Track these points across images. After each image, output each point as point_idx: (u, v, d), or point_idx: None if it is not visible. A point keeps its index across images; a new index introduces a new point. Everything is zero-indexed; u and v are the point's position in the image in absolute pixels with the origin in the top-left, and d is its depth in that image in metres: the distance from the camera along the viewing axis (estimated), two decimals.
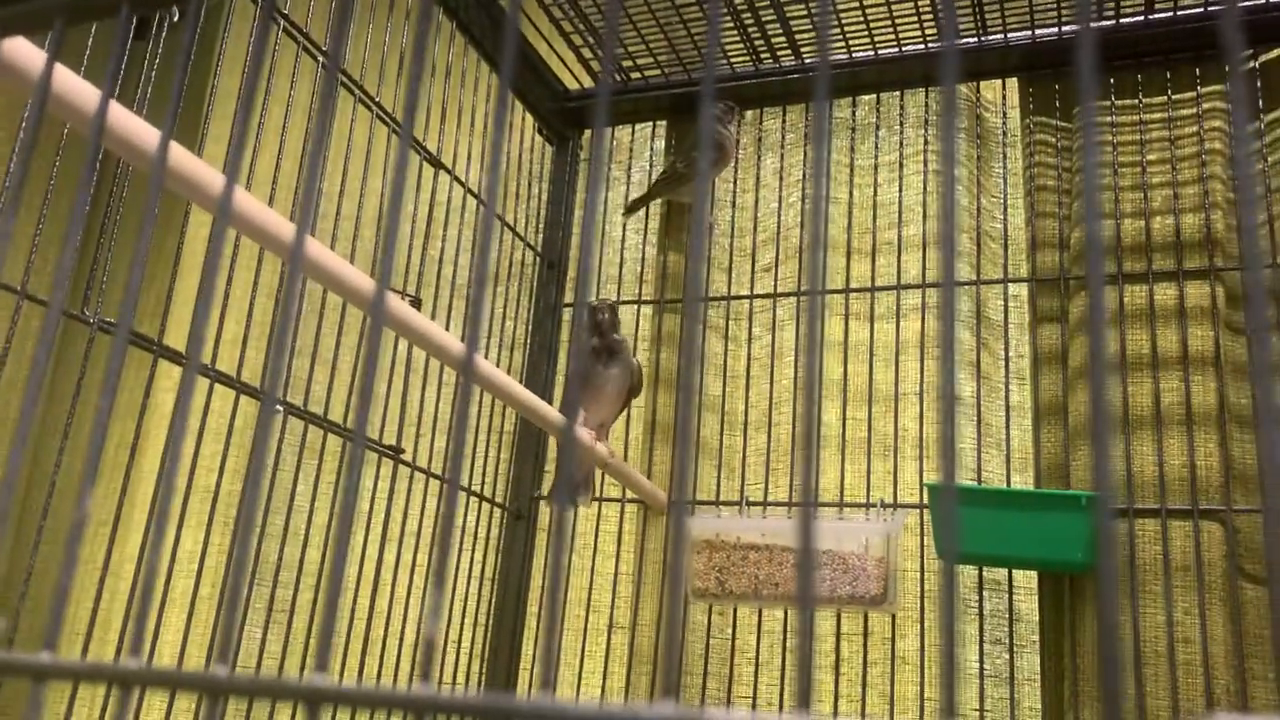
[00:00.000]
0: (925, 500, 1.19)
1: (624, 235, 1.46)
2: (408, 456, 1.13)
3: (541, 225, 1.51)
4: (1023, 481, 1.20)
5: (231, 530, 1.14)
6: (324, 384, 1.04)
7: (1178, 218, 1.18)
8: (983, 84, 1.36)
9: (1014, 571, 1.16)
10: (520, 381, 1.33)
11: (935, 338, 1.26)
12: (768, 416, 1.31)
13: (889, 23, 1.28)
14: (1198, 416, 1.11)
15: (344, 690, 0.25)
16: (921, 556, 1.18)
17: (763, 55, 1.37)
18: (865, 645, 1.19)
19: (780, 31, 1.31)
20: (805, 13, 1.28)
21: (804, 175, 1.40)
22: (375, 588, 1.05)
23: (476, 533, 1.33)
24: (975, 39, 1.28)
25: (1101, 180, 1.22)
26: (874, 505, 1.21)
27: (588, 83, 1.48)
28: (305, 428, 1.03)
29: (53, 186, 0.79)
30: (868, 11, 1.26)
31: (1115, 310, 1.17)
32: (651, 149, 1.50)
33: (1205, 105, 1.21)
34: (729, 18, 1.29)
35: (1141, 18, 1.21)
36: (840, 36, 1.31)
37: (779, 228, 1.39)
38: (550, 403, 1.33)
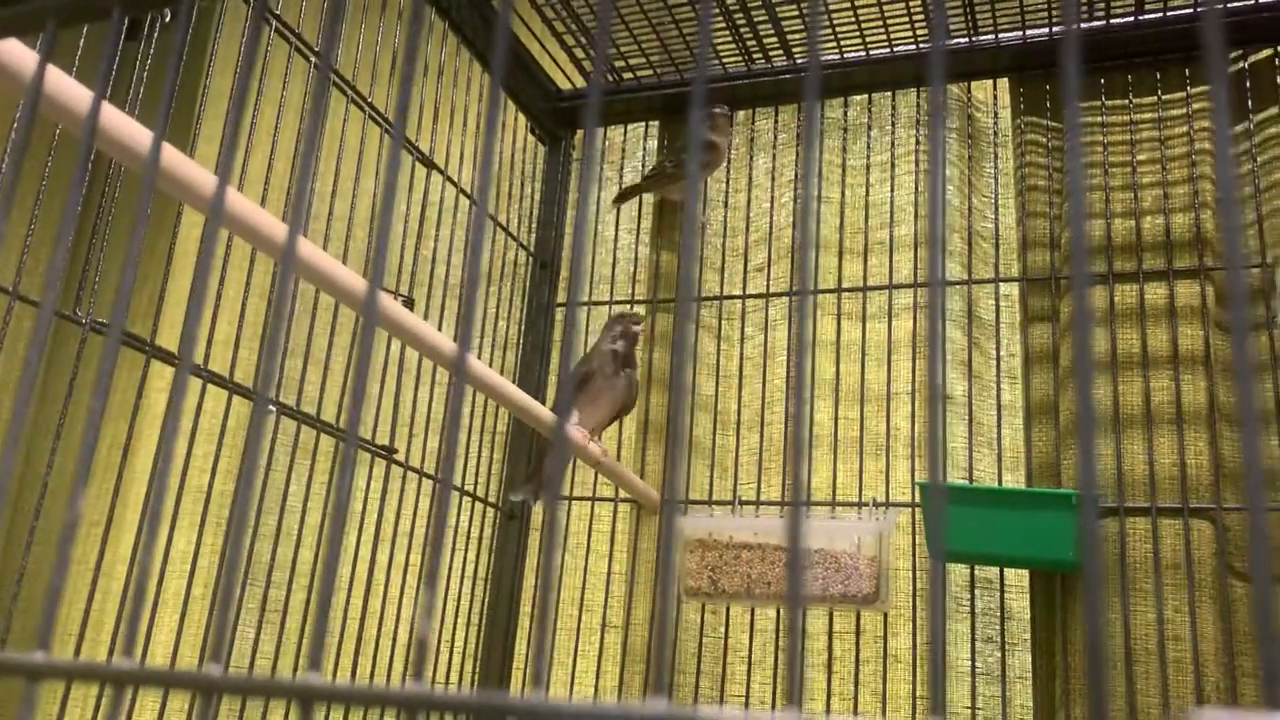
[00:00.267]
0: (917, 499, 1.19)
1: (617, 235, 1.46)
2: (400, 456, 1.13)
3: (534, 225, 1.51)
4: (1014, 480, 1.20)
5: (224, 530, 1.14)
6: (316, 384, 1.04)
7: (1168, 217, 1.19)
8: (974, 84, 1.36)
9: (1006, 570, 1.16)
10: (514, 381, 1.33)
11: (927, 337, 1.27)
12: (760, 416, 1.32)
13: (880, 23, 1.28)
14: (1188, 415, 1.11)
15: (338, 688, 0.25)
16: (914, 555, 1.18)
17: (755, 55, 1.37)
18: (858, 644, 1.19)
19: (772, 31, 1.32)
20: (797, 13, 1.28)
21: (796, 175, 1.40)
22: (368, 587, 1.05)
23: (469, 532, 1.34)
24: (966, 39, 1.28)
25: (1090, 181, 1.23)
26: (866, 504, 1.21)
27: (580, 82, 1.48)
28: (298, 428, 1.03)
29: (44, 187, 0.79)
30: (859, 12, 1.26)
31: (1106, 309, 1.18)
32: (644, 149, 1.51)
33: (1195, 105, 1.22)
34: (720, 17, 1.29)
35: (1131, 19, 1.22)
36: (832, 37, 1.31)
37: (771, 228, 1.40)
38: (544, 403, 1.33)
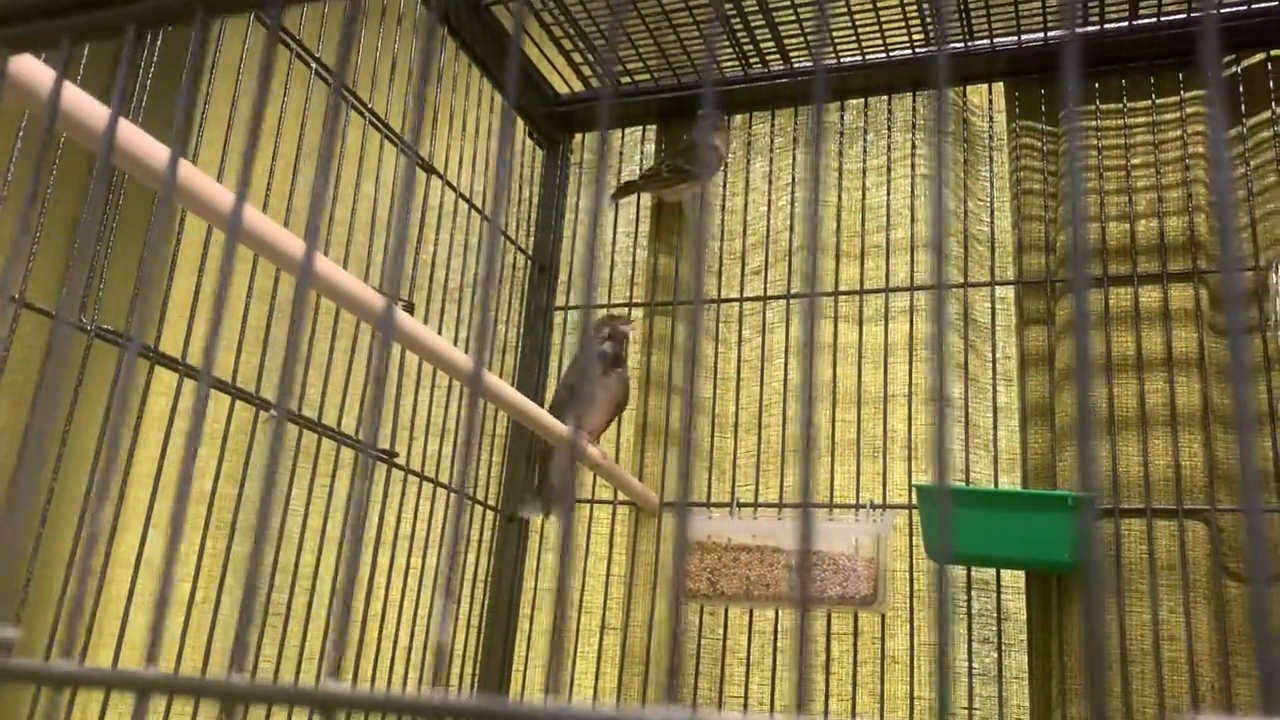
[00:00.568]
0: (913, 501, 1.20)
1: (614, 238, 1.47)
2: (400, 460, 1.13)
3: (532, 229, 1.51)
4: (1010, 482, 1.21)
5: (227, 534, 1.14)
6: (318, 388, 1.05)
7: (1162, 221, 1.20)
8: (969, 88, 1.37)
9: (1002, 571, 1.17)
10: (512, 385, 1.34)
11: (924, 340, 1.28)
12: (758, 419, 1.32)
13: (876, 28, 1.29)
14: (1182, 417, 1.12)
15: (358, 696, 0.25)
16: (911, 557, 1.19)
17: (751, 60, 1.38)
18: (855, 645, 1.20)
19: (769, 37, 1.32)
20: (794, 18, 1.29)
21: (793, 179, 1.41)
22: (369, 591, 1.05)
23: (469, 536, 1.34)
24: (962, 44, 1.29)
25: (1086, 184, 1.24)
26: (863, 506, 1.22)
27: (578, 87, 1.49)
28: (300, 432, 1.04)
29: (50, 195, 0.80)
30: (855, 17, 1.27)
31: (1100, 312, 1.19)
32: (641, 152, 1.51)
33: (1189, 109, 1.23)
34: (718, 23, 1.30)
35: (1126, 23, 1.23)
36: (828, 42, 1.32)
37: (768, 231, 1.41)
38: (540, 405, 1.34)
